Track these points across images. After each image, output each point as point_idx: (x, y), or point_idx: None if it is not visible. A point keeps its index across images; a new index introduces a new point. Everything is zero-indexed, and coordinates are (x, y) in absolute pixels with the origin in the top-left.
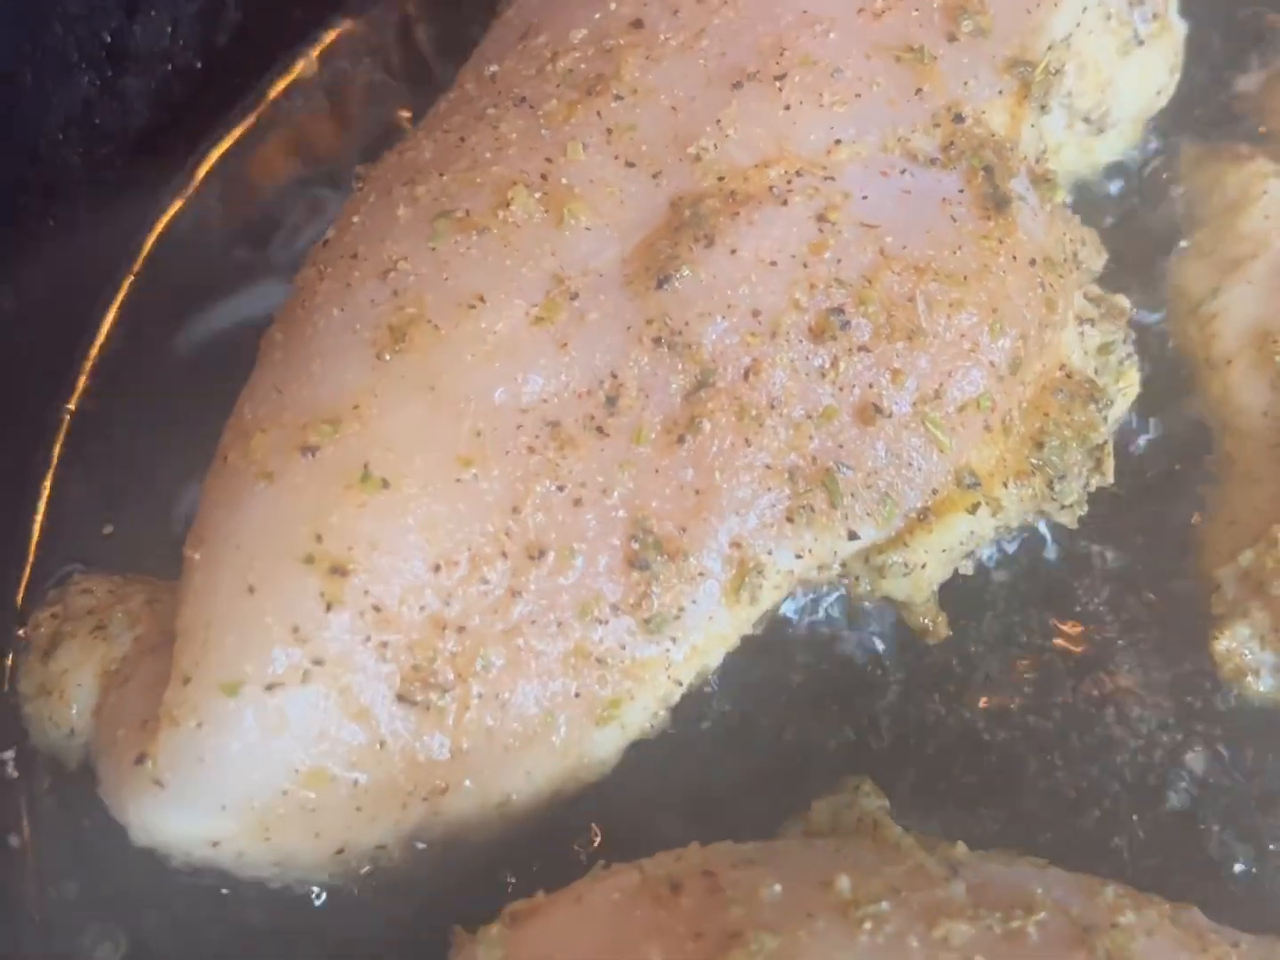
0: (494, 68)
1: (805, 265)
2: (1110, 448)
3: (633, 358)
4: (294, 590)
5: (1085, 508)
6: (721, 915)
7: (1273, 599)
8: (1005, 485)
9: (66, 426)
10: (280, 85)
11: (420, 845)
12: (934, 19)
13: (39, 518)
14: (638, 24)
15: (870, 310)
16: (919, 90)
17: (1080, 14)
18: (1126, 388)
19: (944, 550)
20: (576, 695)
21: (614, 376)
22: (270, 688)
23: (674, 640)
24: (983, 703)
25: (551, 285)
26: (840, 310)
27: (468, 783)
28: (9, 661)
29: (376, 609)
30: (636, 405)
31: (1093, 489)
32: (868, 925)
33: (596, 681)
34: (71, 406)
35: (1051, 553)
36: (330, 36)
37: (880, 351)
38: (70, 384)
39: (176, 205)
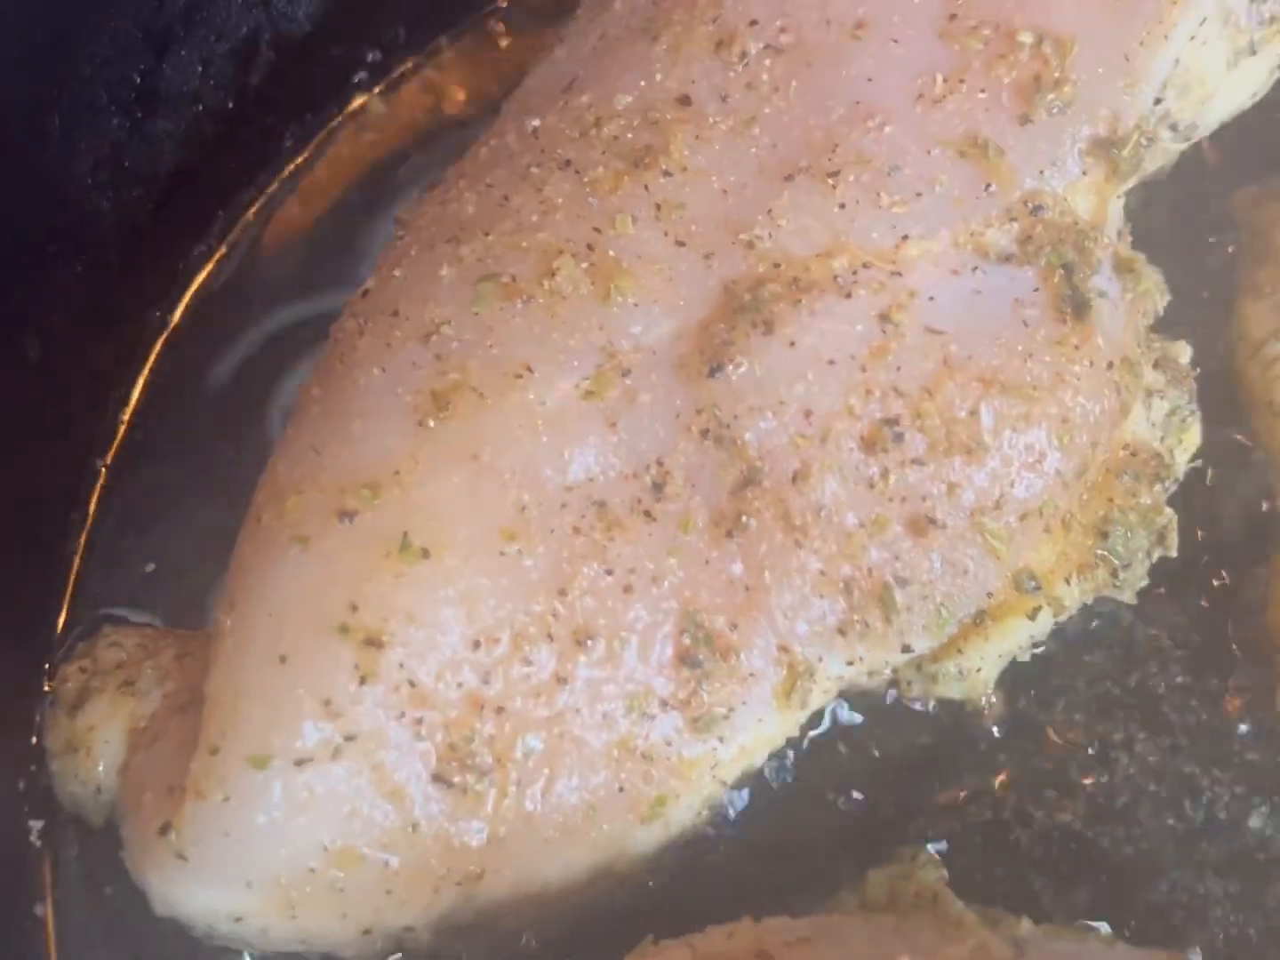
0: (535, 122)
1: (864, 369)
2: (1174, 522)
3: (680, 448)
4: (327, 662)
5: (1146, 580)
6: None
7: None
8: (1067, 582)
9: (102, 478)
10: (315, 125)
11: (450, 926)
12: (1003, 100)
13: (73, 574)
14: (685, 100)
15: (928, 424)
16: (987, 186)
17: (1197, 27)
18: (1188, 445)
19: (1000, 656)
20: (620, 790)
21: (660, 464)
22: (300, 763)
23: (721, 740)
24: (1041, 767)
25: (602, 359)
26: (895, 421)
27: (504, 870)
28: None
29: (412, 684)
30: (683, 495)
31: (1154, 560)
32: None
33: (641, 778)
34: (107, 460)
35: (1111, 610)
36: (366, 76)
37: (935, 466)
38: (106, 435)
39: (209, 249)
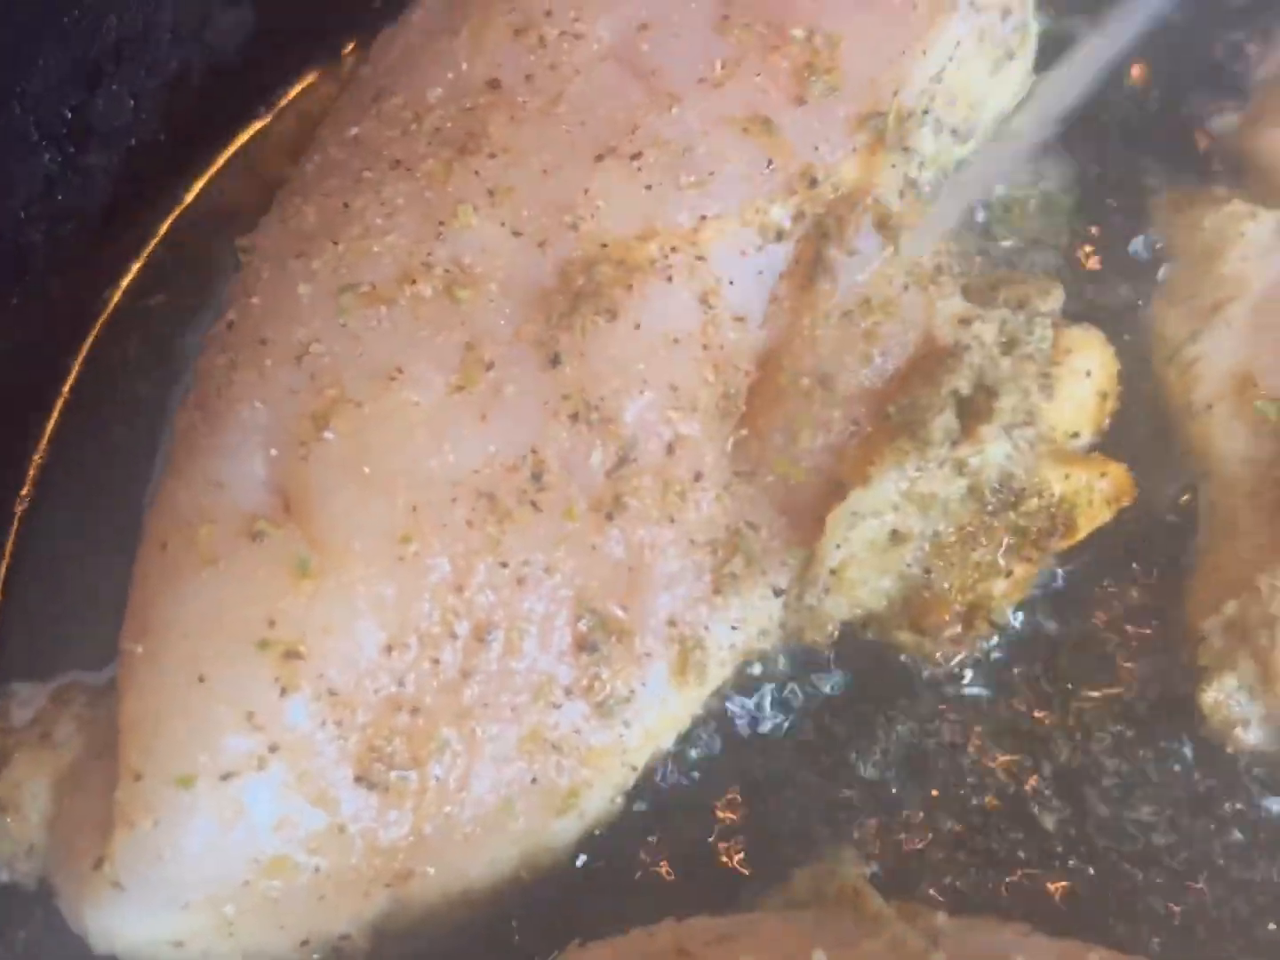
0: (354, 130)
1: (705, 347)
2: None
3: (551, 434)
4: (248, 676)
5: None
6: None
7: (1259, 649)
8: (871, 464)
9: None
10: (245, 154)
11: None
12: (779, 82)
13: None
14: (494, 84)
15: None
16: (770, 162)
17: (953, 49)
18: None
19: (853, 554)
20: (534, 782)
21: (534, 452)
22: (226, 777)
23: (627, 725)
24: (967, 767)
25: (465, 353)
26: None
27: (430, 869)
28: None
29: (332, 692)
30: (561, 482)
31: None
32: None
33: (554, 769)
34: (24, 492)
35: (1040, 608)
36: (295, 94)
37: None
38: (21, 473)
39: (141, 282)
